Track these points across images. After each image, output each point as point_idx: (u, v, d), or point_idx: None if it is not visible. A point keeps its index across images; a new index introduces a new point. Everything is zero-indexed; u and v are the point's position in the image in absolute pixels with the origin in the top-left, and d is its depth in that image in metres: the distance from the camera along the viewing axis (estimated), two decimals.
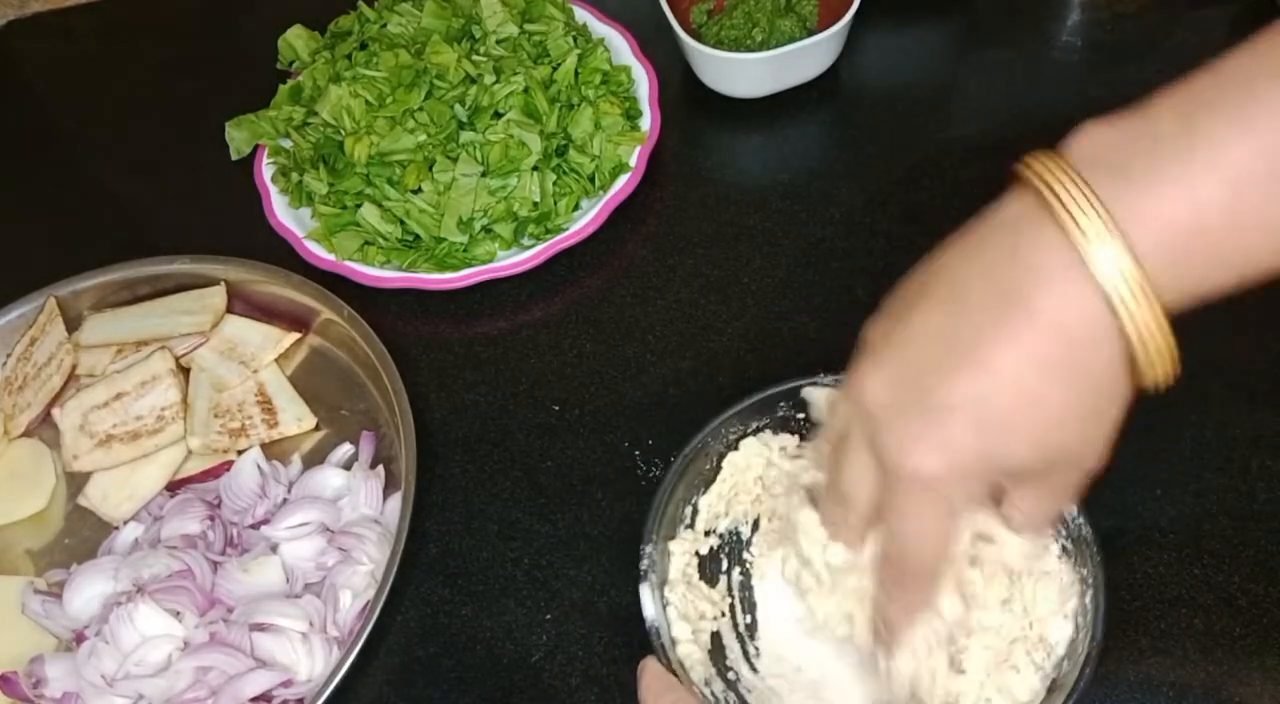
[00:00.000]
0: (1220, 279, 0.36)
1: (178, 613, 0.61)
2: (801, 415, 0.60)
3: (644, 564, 0.55)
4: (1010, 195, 0.39)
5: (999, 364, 0.38)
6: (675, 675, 0.52)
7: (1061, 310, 0.37)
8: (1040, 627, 0.53)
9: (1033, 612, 0.53)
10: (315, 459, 0.70)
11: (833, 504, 0.46)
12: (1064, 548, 0.54)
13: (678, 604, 0.56)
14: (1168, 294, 0.36)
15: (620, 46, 0.83)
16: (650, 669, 0.52)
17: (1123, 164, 0.36)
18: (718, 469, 0.60)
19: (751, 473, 0.60)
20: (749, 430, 0.60)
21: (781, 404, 0.60)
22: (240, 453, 0.69)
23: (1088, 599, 0.53)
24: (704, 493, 0.60)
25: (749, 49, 0.82)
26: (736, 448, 0.60)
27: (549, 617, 0.62)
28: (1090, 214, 0.35)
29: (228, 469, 0.68)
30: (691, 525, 0.60)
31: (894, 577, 0.44)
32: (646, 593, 0.55)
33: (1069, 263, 0.36)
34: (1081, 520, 0.53)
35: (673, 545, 0.58)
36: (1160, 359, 0.37)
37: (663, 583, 0.56)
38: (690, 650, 0.54)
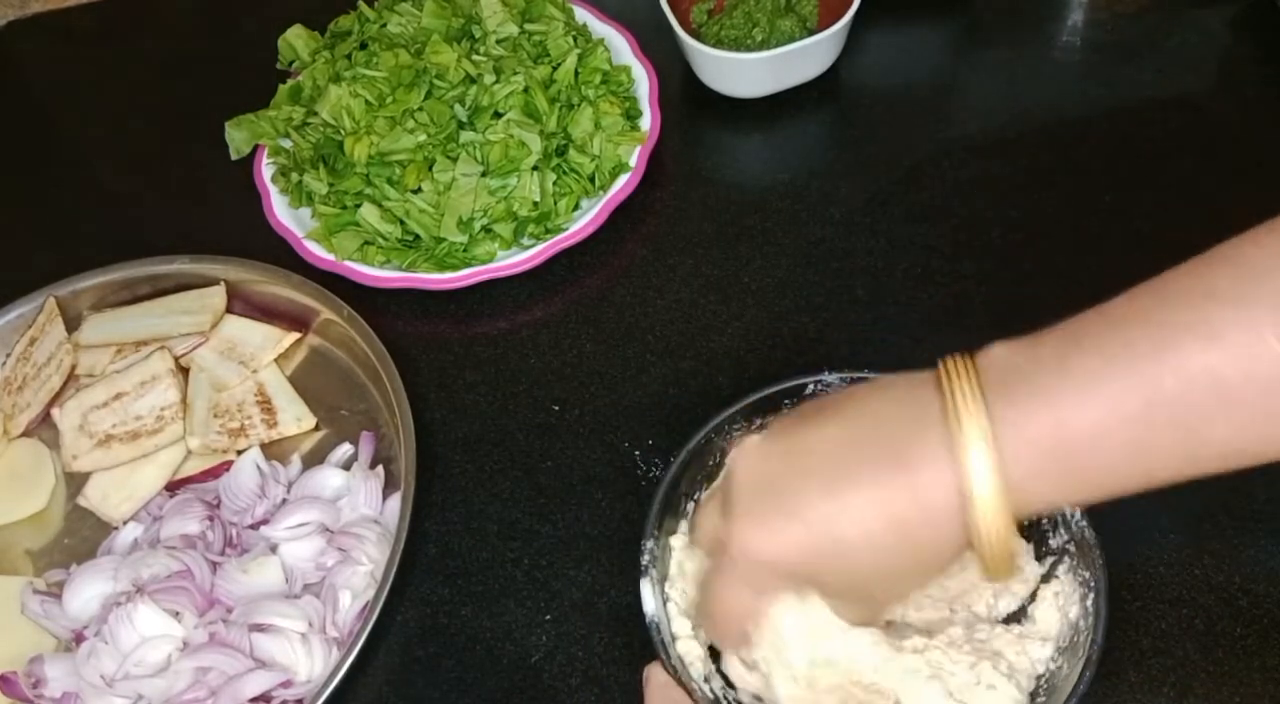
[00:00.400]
0: (1087, 493, 0.40)
1: (177, 613, 0.61)
2: None
3: (645, 559, 0.55)
4: (929, 375, 0.43)
5: (857, 503, 0.41)
6: (674, 671, 0.52)
7: (929, 489, 0.40)
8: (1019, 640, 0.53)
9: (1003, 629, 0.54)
10: (315, 459, 0.70)
11: (691, 535, 0.52)
12: (1066, 550, 0.54)
13: (678, 600, 0.56)
14: (1034, 501, 0.40)
15: (620, 46, 0.83)
16: (655, 679, 0.52)
17: (1012, 383, 0.40)
18: (720, 465, 0.60)
19: None
20: (753, 427, 0.60)
21: (786, 402, 0.59)
22: (240, 453, 0.69)
23: (1089, 603, 0.52)
24: (706, 488, 0.60)
25: (749, 49, 0.82)
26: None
27: (549, 617, 0.62)
28: (974, 423, 0.39)
29: (227, 469, 0.68)
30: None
31: (701, 619, 0.51)
32: (647, 588, 0.55)
33: (947, 456, 0.40)
34: (1085, 523, 0.53)
35: (674, 540, 0.58)
36: (996, 565, 0.41)
37: (663, 579, 0.56)
38: (690, 647, 0.54)
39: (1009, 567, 0.41)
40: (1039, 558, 0.56)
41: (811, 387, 0.59)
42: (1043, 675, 0.52)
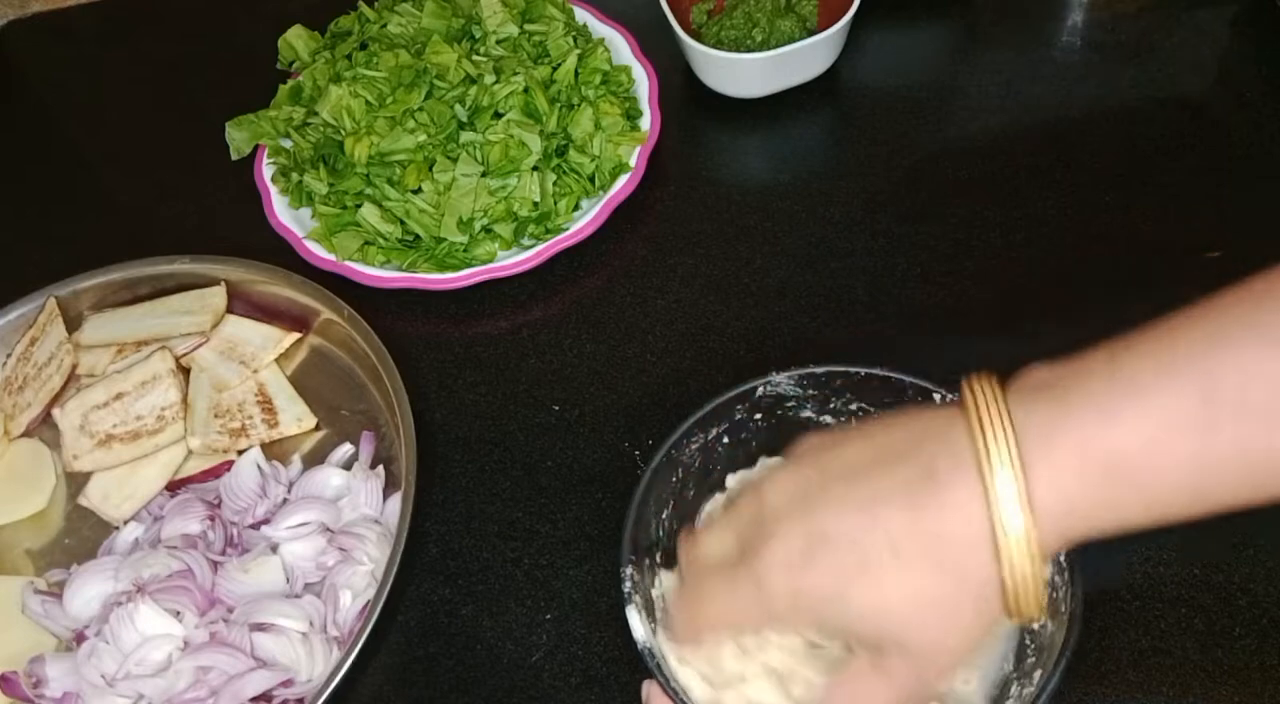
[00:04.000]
0: (1135, 512, 0.38)
1: (178, 613, 0.61)
2: (759, 416, 0.59)
3: (626, 587, 0.53)
4: (958, 403, 0.41)
5: (893, 522, 0.39)
6: (676, 695, 0.50)
7: (965, 505, 0.38)
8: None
9: None
10: (315, 459, 0.70)
11: (685, 543, 0.49)
12: None
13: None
14: (1078, 526, 0.38)
15: (620, 46, 0.83)
16: (655, 698, 0.51)
17: (1053, 396, 0.38)
18: (683, 481, 0.59)
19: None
20: (709, 438, 0.59)
21: (738, 408, 0.59)
22: (240, 453, 0.69)
23: (1060, 558, 0.51)
24: (671, 508, 0.58)
25: (749, 49, 0.82)
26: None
27: (549, 617, 0.62)
28: (1003, 448, 0.37)
29: (228, 469, 0.68)
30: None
31: (679, 614, 0.48)
32: (634, 615, 0.53)
33: (977, 478, 0.38)
34: None
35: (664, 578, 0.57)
36: (1025, 604, 0.39)
37: (648, 603, 0.54)
38: (690, 674, 0.53)
39: (1036, 604, 0.39)
40: None
41: (761, 389, 0.58)
42: (1029, 634, 0.52)
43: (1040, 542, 0.38)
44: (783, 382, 0.58)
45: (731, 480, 0.60)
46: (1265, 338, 0.35)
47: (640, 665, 0.53)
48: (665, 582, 0.57)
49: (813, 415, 0.60)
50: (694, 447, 0.58)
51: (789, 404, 0.59)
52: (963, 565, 0.39)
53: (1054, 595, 0.52)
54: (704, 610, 0.46)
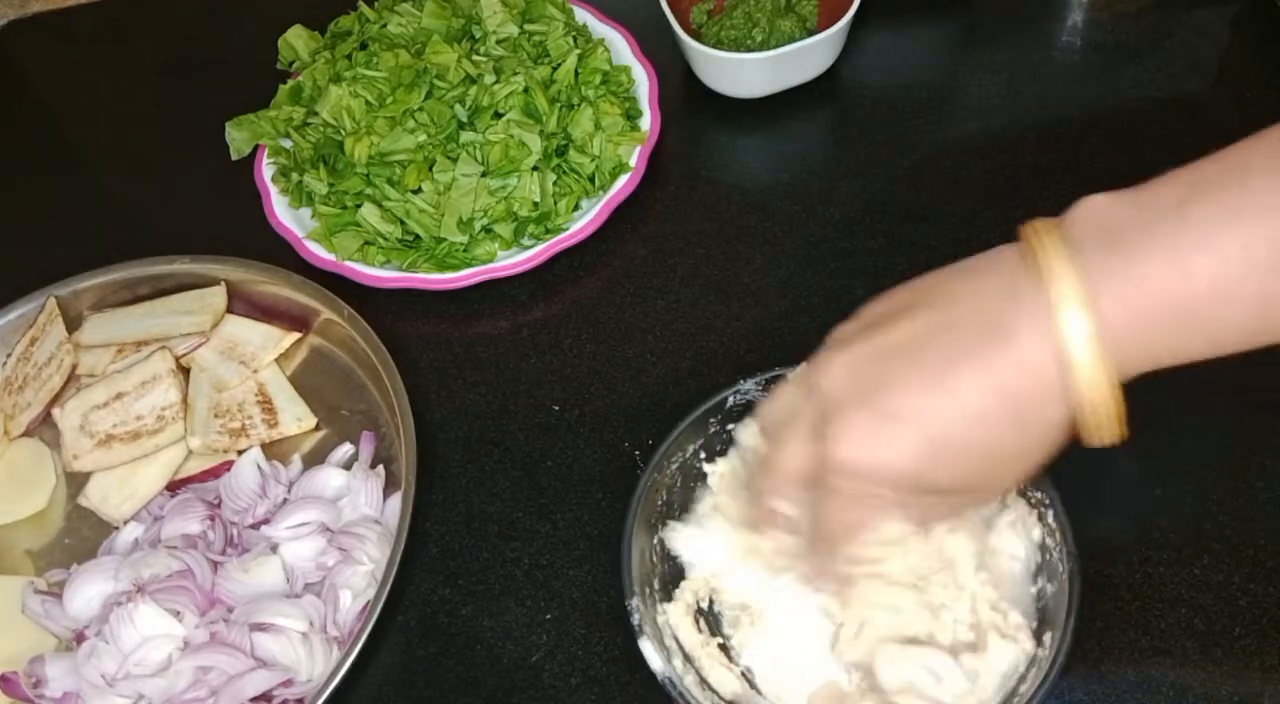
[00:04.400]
0: (1197, 348, 0.38)
1: (178, 613, 0.61)
2: (731, 427, 0.59)
3: (635, 620, 0.53)
4: (1012, 247, 0.41)
5: (961, 389, 0.39)
6: None
7: (1031, 358, 0.38)
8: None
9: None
10: (315, 459, 0.70)
11: (763, 475, 0.48)
12: None
13: (685, 641, 0.55)
14: (1140, 359, 0.38)
15: (620, 46, 0.83)
16: None
17: (1118, 234, 0.38)
18: (669, 503, 0.59)
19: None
20: (687, 456, 0.59)
21: (712, 420, 0.59)
22: (240, 453, 0.69)
23: (1051, 520, 0.53)
24: (665, 527, 0.59)
25: (749, 49, 0.82)
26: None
27: (549, 617, 0.62)
28: (1066, 285, 0.38)
29: (228, 469, 0.68)
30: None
31: (810, 542, 0.48)
32: (648, 647, 0.53)
33: (1043, 320, 0.38)
34: None
35: (714, 469, 0.57)
36: (1106, 426, 0.39)
37: (656, 631, 0.55)
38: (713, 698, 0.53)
39: (1114, 429, 0.39)
40: None
41: (731, 398, 0.59)
42: (1036, 602, 0.53)
43: (1113, 371, 0.38)
44: (751, 388, 0.59)
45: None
46: None
47: (640, 665, 0.53)
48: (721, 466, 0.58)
49: None
50: (674, 467, 0.58)
51: None
52: (1037, 413, 0.39)
53: (1048, 557, 0.53)
54: (830, 533, 0.45)
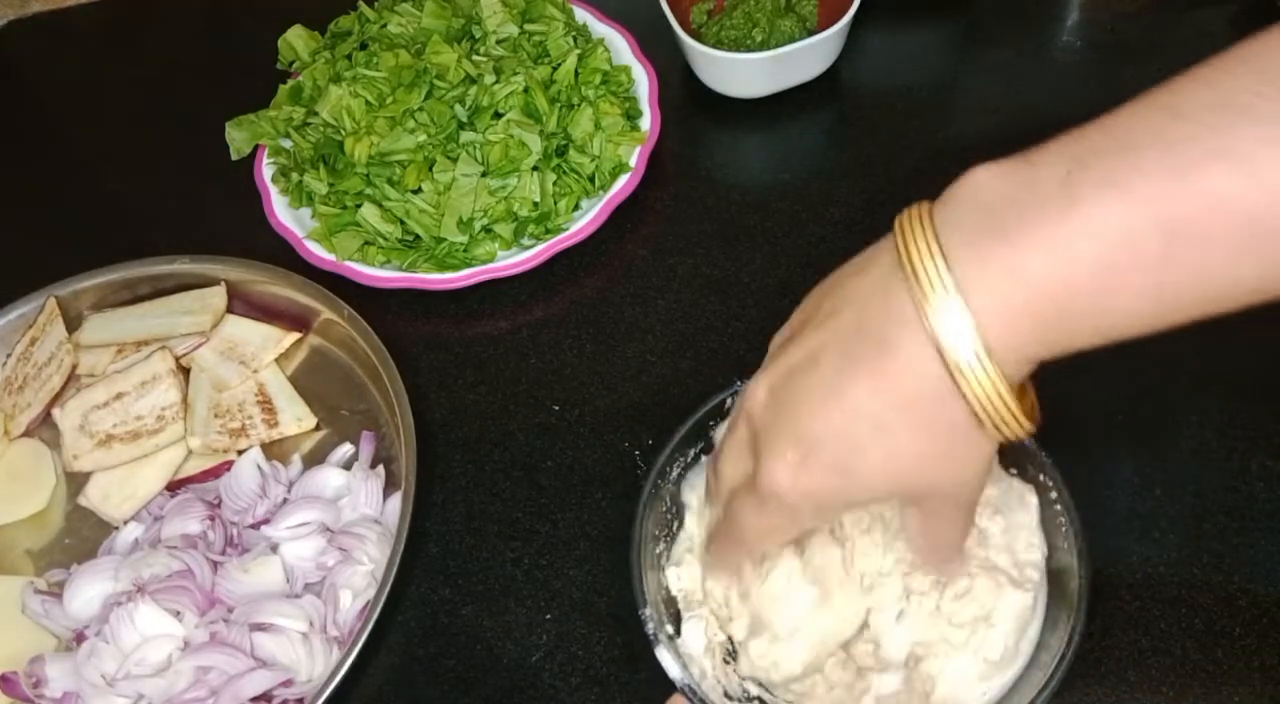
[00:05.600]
0: (1086, 338, 0.36)
1: (178, 613, 0.61)
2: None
3: (649, 629, 0.54)
4: (888, 241, 0.40)
5: (862, 401, 0.39)
6: None
7: (914, 360, 0.37)
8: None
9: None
10: (315, 459, 0.70)
11: (710, 473, 0.50)
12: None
13: (684, 582, 0.56)
14: (1027, 355, 0.36)
15: (620, 46, 0.83)
16: None
17: (997, 216, 0.36)
18: (673, 506, 0.59)
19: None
20: (689, 460, 0.59)
21: (711, 424, 0.59)
22: (240, 453, 0.69)
23: (1051, 495, 0.54)
24: (667, 537, 0.59)
25: (749, 49, 0.82)
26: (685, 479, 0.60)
27: (549, 617, 0.62)
28: (935, 281, 0.36)
29: (228, 469, 0.68)
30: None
31: (719, 542, 0.49)
32: (666, 655, 0.53)
33: (915, 320, 0.37)
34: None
35: (687, 520, 0.58)
36: (1003, 423, 0.38)
37: (672, 637, 0.55)
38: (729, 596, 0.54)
39: (1015, 426, 0.38)
40: None
41: (729, 400, 0.59)
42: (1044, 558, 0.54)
43: (997, 368, 0.36)
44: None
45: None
46: (1230, 159, 0.32)
47: (640, 665, 0.53)
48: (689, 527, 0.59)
49: None
50: (676, 473, 0.58)
51: None
52: (940, 414, 0.38)
53: (1056, 519, 0.54)
54: (742, 537, 0.46)
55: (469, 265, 0.74)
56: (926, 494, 0.42)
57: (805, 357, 0.41)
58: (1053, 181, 0.35)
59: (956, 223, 0.37)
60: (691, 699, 0.52)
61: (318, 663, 0.60)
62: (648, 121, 0.79)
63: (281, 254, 0.76)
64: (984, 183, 0.37)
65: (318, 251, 0.75)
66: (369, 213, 0.75)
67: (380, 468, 0.67)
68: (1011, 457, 0.56)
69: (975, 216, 0.36)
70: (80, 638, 0.62)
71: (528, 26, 0.81)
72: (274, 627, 0.60)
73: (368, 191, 0.76)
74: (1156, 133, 0.34)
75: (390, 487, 0.67)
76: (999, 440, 0.39)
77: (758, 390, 0.43)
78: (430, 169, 0.75)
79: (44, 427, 0.73)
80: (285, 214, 0.78)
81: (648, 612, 0.54)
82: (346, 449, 0.69)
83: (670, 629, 0.56)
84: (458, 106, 0.76)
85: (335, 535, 0.64)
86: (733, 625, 0.56)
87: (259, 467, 0.67)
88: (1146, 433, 0.64)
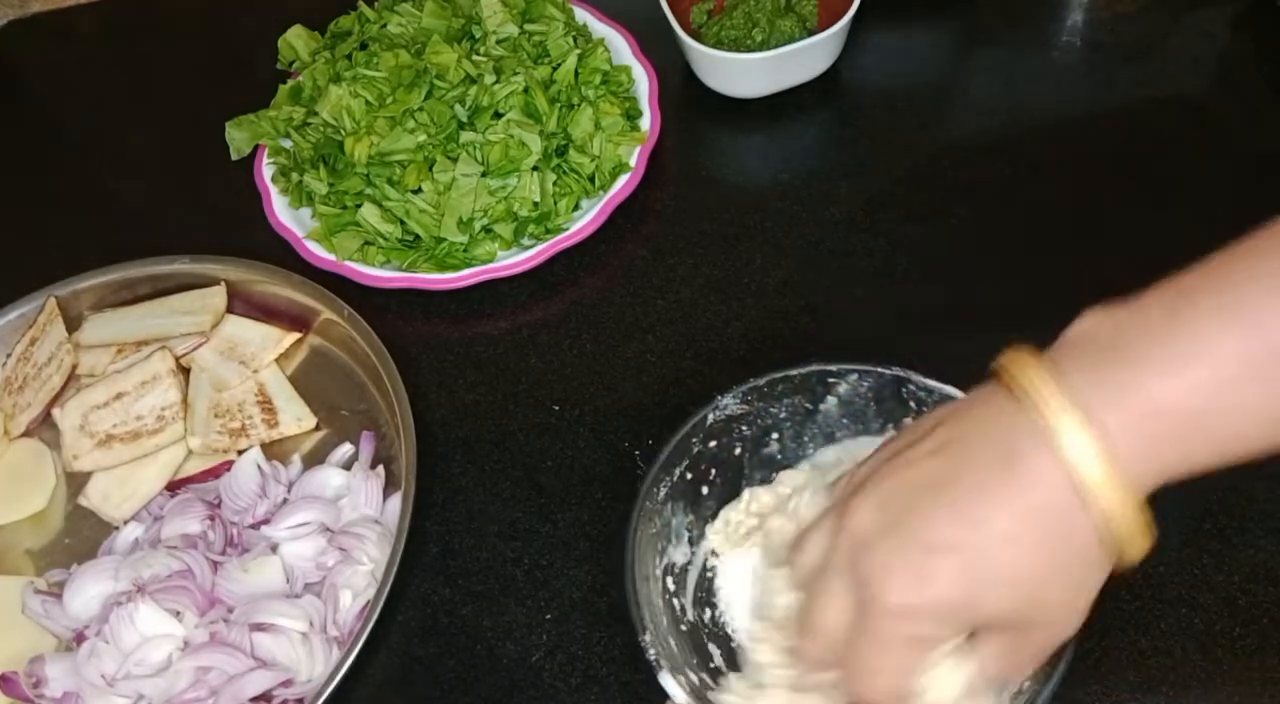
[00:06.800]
0: (1208, 458, 0.38)
1: (178, 613, 0.61)
2: (713, 444, 0.59)
3: (651, 655, 0.52)
4: (993, 383, 0.42)
5: (992, 518, 0.39)
6: None
7: (1048, 480, 0.38)
8: None
9: None
10: (315, 459, 0.70)
11: (801, 636, 0.46)
12: None
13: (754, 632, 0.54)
14: (1149, 475, 0.38)
15: (620, 46, 0.83)
16: None
17: (1114, 347, 0.38)
18: (667, 525, 0.58)
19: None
20: (674, 479, 0.58)
21: (693, 440, 0.58)
22: (240, 453, 0.69)
23: None
24: (661, 557, 0.58)
25: (749, 49, 0.82)
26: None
27: (549, 617, 0.62)
28: (1062, 404, 0.38)
29: (228, 469, 0.68)
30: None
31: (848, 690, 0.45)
32: (669, 680, 0.52)
33: (1047, 444, 0.38)
34: None
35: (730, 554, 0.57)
36: (1130, 544, 0.39)
37: (674, 665, 0.54)
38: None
39: (1139, 542, 0.39)
40: None
41: (711, 415, 0.58)
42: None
43: (1124, 488, 0.38)
44: (730, 402, 0.59)
45: (783, 477, 0.59)
46: None
47: (640, 665, 0.53)
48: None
49: (769, 428, 0.60)
50: (663, 493, 0.58)
51: (742, 426, 0.60)
52: (1068, 531, 0.39)
53: None
54: (873, 685, 0.43)
55: (469, 265, 0.74)
56: (1035, 615, 0.42)
57: (924, 476, 0.41)
58: (1162, 316, 0.38)
59: (1075, 358, 0.39)
60: None
61: (318, 663, 0.60)
62: (648, 121, 0.79)
63: (281, 254, 0.76)
64: (1095, 322, 0.40)
65: (318, 251, 0.76)
66: (369, 213, 0.75)
67: (380, 468, 0.67)
68: None
69: (1091, 349, 0.39)
70: (80, 638, 0.62)
71: (528, 26, 0.81)
72: (274, 627, 0.60)
73: (368, 191, 0.76)
74: (1248, 258, 0.37)
75: (390, 487, 0.67)
76: (1112, 565, 0.40)
77: (860, 511, 0.42)
78: (430, 169, 0.75)
79: (44, 427, 0.73)
80: (285, 214, 0.78)
81: (648, 639, 0.53)
82: (346, 449, 0.69)
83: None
84: (458, 106, 0.76)
85: (335, 535, 0.64)
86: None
87: (259, 467, 0.67)
88: None
